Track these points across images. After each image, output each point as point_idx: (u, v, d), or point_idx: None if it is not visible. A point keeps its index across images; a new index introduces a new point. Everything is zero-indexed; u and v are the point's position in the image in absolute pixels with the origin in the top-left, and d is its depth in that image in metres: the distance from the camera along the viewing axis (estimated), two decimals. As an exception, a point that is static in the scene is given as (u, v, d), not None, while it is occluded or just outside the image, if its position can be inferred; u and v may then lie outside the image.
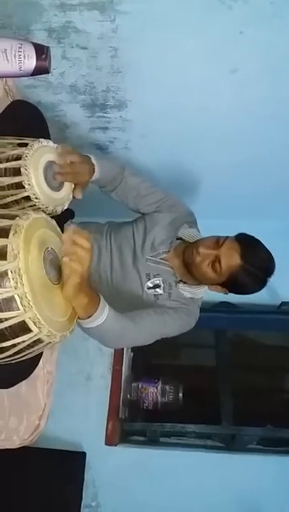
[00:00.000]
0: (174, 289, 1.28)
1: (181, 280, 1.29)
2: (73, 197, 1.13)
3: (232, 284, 1.22)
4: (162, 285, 1.28)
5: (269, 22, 1.14)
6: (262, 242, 1.23)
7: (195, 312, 1.30)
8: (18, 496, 1.67)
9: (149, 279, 1.28)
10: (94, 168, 1.17)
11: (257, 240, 1.23)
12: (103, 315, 0.97)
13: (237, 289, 1.24)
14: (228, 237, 1.21)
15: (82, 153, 1.13)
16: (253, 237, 1.23)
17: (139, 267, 1.29)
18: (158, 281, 1.28)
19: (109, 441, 1.96)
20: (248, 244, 1.20)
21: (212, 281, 1.24)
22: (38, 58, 0.89)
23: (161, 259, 1.30)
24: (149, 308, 1.22)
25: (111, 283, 1.30)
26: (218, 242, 1.20)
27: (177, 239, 1.33)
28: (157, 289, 1.28)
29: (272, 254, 1.22)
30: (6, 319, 0.72)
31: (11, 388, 1.10)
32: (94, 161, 1.17)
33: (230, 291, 1.26)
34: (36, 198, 0.98)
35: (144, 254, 1.30)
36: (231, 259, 1.17)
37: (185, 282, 1.29)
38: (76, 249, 0.83)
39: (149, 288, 1.28)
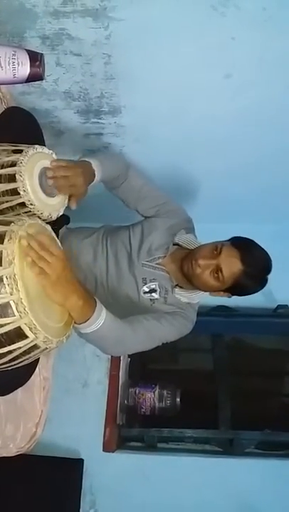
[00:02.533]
0: (170, 293, 1.28)
1: (177, 285, 1.29)
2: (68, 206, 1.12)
3: (235, 288, 1.23)
4: (158, 290, 1.27)
5: (262, 27, 1.15)
6: (255, 241, 1.25)
7: (192, 316, 1.29)
8: (16, 505, 1.65)
9: (145, 284, 1.28)
10: (94, 173, 1.16)
11: (251, 240, 1.24)
12: (100, 319, 0.97)
13: (240, 292, 1.26)
14: (223, 244, 1.21)
15: (77, 165, 1.12)
16: (246, 238, 1.24)
17: (135, 271, 1.29)
18: (154, 286, 1.28)
19: (106, 448, 1.95)
20: (245, 247, 1.20)
21: (215, 289, 1.25)
22: (31, 65, 0.89)
23: (157, 264, 1.30)
24: (145, 313, 1.21)
25: (107, 287, 1.30)
26: (215, 250, 1.19)
27: (174, 244, 1.33)
28: (153, 294, 1.27)
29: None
30: (2, 325, 0.72)
31: (7, 395, 1.09)
32: (94, 166, 1.16)
33: (232, 295, 1.27)
34: (31, 204, 0.98)
35: (140, 260, 1.30)
36: (232, 266, 1.17)
37: (181, 287, 1.29)
38: (43, 253, 0.81)
39: (145, 292, 1.27)
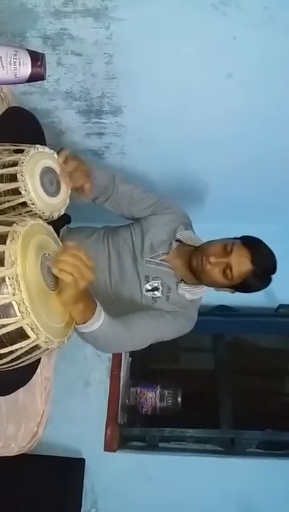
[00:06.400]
0: (172, 291, 1.29)
1: (182, 280, 1.30)
2: (82, 195, 1.14)
3: (241, 286, 1.24)
4: (161, 288, 1.28)
5: (263, 26, 1.15)
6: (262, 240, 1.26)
7: (193, 315, 1.30)
8: (17, 505, 1.65)
9: (148, 282, 1.28)
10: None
11: (260, 240, 1.26)
12: (98, 321, 0.98)
13: (245, 289, 1.27)
14: (234, 242, 1.22)
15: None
16: (255, 238, 1.26)
17: (139, 269, 1.29)
18: (156, 284, 1.28)
19: (108, 447, 1.96)
20: (255, 248, 1.22)
21: (222, 286, 1.26)
22: (33, 65, 0.90)
23: (160, 260, 1.31)
24: (144, 312, 1.22)
25: (110, 286, 1.30)
26: (225, 248, 1.21)
27: (176, 240, 1.33)
28: (156, 292, 1.28)
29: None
30: (4, 326, 0.72)
31: (9, 395, 1.09)
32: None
33: (237, 291, 1.28)
34: (33, 204, 0.98)
35: (144, 256, 1.31)
36: (243, 265, 1.19)
37: (186, 282, 1.30)
38: (78, 263, 0.82)
39: (148, 290, 1.28)
